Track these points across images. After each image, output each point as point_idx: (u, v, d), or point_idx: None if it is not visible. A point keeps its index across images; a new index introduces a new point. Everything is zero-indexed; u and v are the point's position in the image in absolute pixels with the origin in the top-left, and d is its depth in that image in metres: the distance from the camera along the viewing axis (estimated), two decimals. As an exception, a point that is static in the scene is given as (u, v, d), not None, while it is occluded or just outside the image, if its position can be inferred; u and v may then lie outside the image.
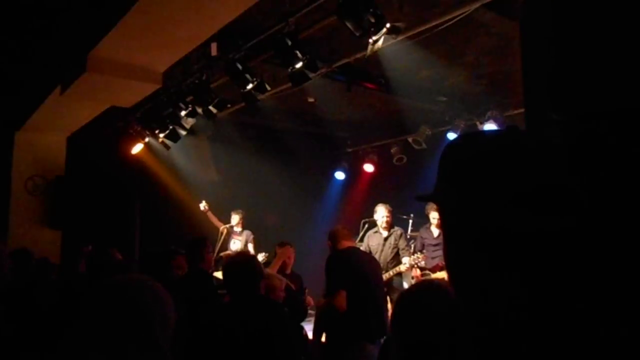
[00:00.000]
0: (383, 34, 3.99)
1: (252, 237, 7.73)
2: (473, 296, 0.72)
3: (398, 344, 1.24)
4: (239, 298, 2.74)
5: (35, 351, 2.27)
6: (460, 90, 7.18)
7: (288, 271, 4.70)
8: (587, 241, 0.67)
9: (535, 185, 0.68)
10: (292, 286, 4.16)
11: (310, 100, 7.52)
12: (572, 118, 0.94)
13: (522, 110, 6.75)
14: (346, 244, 4.16)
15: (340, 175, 9.93)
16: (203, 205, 7.73)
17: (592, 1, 0.93)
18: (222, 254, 7.20)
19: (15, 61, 5.97)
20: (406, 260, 6.12)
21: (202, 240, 4.35)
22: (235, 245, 7.64)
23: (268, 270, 3.81)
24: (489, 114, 7.22)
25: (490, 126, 7.15)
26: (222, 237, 7.65)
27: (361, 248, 6.45)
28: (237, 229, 7.77)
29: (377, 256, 6.24)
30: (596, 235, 0.70)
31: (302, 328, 4.14)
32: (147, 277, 1.45)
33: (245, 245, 7.62)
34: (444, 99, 7.42)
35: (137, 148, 7.60)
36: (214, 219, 7.83)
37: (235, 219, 7.75)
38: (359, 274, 3.96)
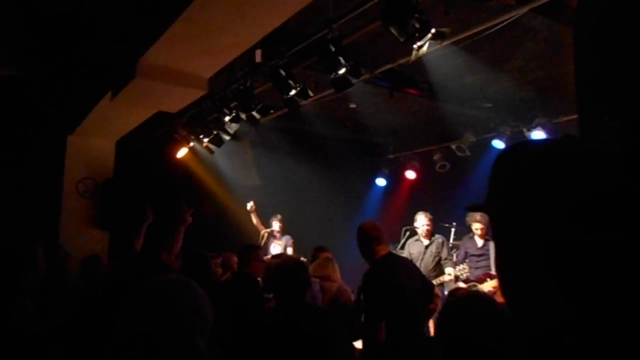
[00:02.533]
0: (428, 40, 3.94)
1: (291, 241, 7.78)
2: (527, 310, 0.71)
3: (443, 343, 1.23)
4: (287, 304, 2.68)
5: (74, 348, 2.31)
6: (506, 97, 7.07)
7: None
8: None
9: (595, 194, 0.66)
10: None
11: (353, 106, 7.52)
12: (629, 124, 0.91)
13: (570, 117, 6.84)
14: (381, 250, 3.63)
15: (381, 182, 9.88)
16: (250, 205, 7.81)
17: None
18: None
19: (68, 68, 6.19)
20: (450, 271, 6.04)
21: (251, 247, 4.37)
22: (275, 249, 7.68)
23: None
24: (536, 121, 7.13)
25: (537, 134, 7.02)
26: (263, 241, 7.73)
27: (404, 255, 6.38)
28: (279, 232, 7.84)
29: (417, 264, 6.12)
30: None
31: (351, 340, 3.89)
32: (186, 278, 1.46)
33: (285, 249, 7.68)
34: (489, 105, 7.34)
35: (182, 152, 7.72)
36: (257, 221, 7.89)
37: (275, 225, 7.82)
38: (397, 294, 3.50)
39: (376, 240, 3.64)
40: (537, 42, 5.38)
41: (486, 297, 1.31)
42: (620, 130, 0.92)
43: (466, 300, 1.23)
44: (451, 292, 3.84)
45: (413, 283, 3.63)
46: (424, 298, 3.69)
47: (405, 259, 3.94)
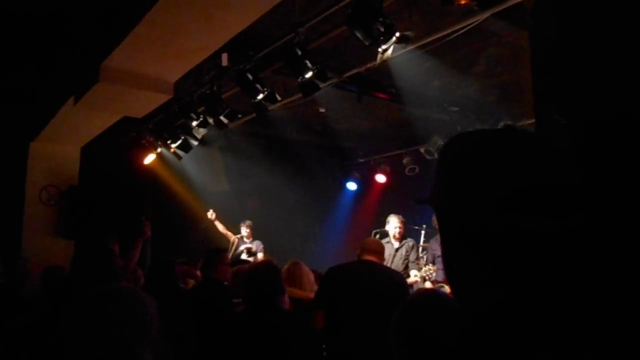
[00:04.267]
0: (392, 43, 3.96)
1: (262, 247, 7.80)
2: (465, 297, 0.73)
3: (398, 343, 1.25)
4: (260, 309, 2.60)
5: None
6: (472, 100, 7.16)
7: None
8: (587, 243, 0.67)
9: (531, 183, 0.67)
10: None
11: (322, 110, 7.50)
12: (579, 122, 0.94)
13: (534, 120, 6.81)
14: (365, 256, 3.79)
15: (351, 186, 9.92)
16: (210, 213, 7.81)
17: (598, 7, 0.93)
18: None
19: (29, 72, 6.01)
20: (414, 273, 6.08)
21: (217, 251, 4.33)
22: (243, 255, 7.70)
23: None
24: (501, 124, 7.15)
25: None
26: (234, 247, 7.74)
27: None
28: (248, 238, 7.86)
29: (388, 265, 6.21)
30: (596, 237, 0.69)
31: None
32: (129, 285, 1.48)
33: (255, 255, 7.67)
34: (456, 109, 7.38)
35: (149, 158, 7.67)
36: (222, 228, 7.87)
37: (244, 231, 7.83)
38: (345, 293, 3.55)
39: (364, 251, 3.80)
40: (500, 46, 5.44)
41: (442, 294, 1.32)
42: (570, 128, 0.94)
43: (421, 296, 1.23)
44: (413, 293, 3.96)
45: (376, 289, 3.55)
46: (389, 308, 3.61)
47: (383, 269, 3.84)
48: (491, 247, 0.67)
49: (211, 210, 7.83)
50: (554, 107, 1.03)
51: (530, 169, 0.69)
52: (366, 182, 9.71)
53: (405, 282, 3.74)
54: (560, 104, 1.00)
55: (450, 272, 0.76)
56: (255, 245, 7.82)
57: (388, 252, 6.29)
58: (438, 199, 0.76)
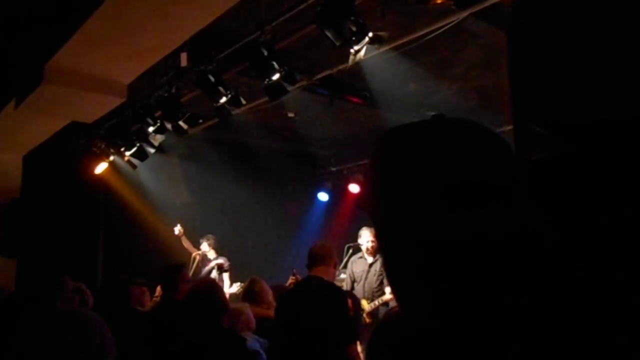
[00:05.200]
0: (365, 44, 4.02)
1: (227, 264, 7.68)
2: (407, 308, 0.75)
3: None
4: (199, 330, 2.68)
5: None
6: (450, 105, 7.25)
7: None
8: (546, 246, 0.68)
9: (458, 180, 0.68)
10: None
11: (290, 115, 7.54)
12: (559, 129, 0.93)
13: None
14: (313, 270, 3.71)
15: (323, 197, 9.93)
16: (178, 229, 7.75)
17: (576, 12, 0.95)
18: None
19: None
20: (389, 290, 5.99)
21: (177, 268, 4.30)
22: (212, 273, 7.55)
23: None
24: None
25: None
26: (196, 264, 7.65)
27: (344, 275, 6.48)
28: (212, 255, 7.73)
29: (361, 284, 6.23)
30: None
31: None
32: (79, 308, 1.43)
33: (228, 272, 7.62)
34: (433, 113, 7.42)
35: (100, 168, 7.60)
36: (189, 245, 7.81)
37: (205, 246, 7.72)
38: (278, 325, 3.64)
39: (310, 266, 3.72)
40: (479, 48, 5.52)
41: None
42: (550, 138, 0.94)
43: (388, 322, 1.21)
44: (386, 312, 3.96)
45: (286, 320, 3.60)
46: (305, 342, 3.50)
47: (314, 296, 3.69)
48: (429, 254, 0.68)
49: (178, 226, 7.74)
50: (532, 115, 1.02)
51: (461, 162, 0.69)
52: (339, 193, 9.70)
53: (344, 304, 3.64)
54: (540, 110, 0.99)
55: (390, 280, 0.77)
56: (221, 262, 7.68)
57: (361, 267, 6.36)
58: (367, 203, 0.77)
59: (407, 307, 0.75)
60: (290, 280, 5.67)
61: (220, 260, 7.57)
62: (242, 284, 6.85)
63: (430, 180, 0.69)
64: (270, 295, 4.60)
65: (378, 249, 0.88)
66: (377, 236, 0.78)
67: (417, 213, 0.69)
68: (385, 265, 0.78)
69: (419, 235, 0.69)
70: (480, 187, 0.68)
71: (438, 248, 0.68)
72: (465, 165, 0.69)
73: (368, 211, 0.77)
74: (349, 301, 3.88)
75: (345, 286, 6.29)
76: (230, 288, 7.17)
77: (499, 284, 0.67)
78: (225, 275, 7.53)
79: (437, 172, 0.70)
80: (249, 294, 4.63)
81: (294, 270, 5.93)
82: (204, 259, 7.72)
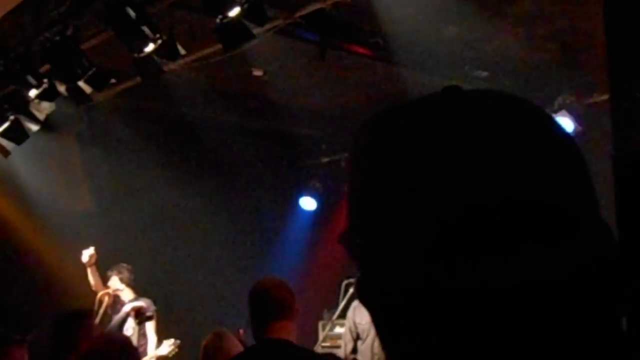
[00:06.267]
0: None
1: (152, 309, 7.72)
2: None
3: None
4: None
5: None
6: (511, 61, 7.33)
7: None
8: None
9: (490, 201, 0.71)
10: None
11: (258, 74, 7.64)
12: None
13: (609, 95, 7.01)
14: (268, 331, 3.77)
15: (308, 203, 10.09)
16: (88, 255, 7.72)
17: None
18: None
19: None
20: None
21: (76, 317, 4.46)
22: (128, 323, 7.64)
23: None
24: (559, 100, 7.42)
25: (561, 120, 7.16)
26: (104, 309, 7.61)
27: (341, 329, 7.09)
28: (128, 295, 7.76)
29: (368, 343, 6.60)
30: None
31: None
32: None
33: (150, 320, 7.70)
34: (485, 74, 7.50)
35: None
36: (96, 279, 7.82)
37: (115, 281, 7.74)
38: None
39: (273, 311, 3.78)
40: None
41: None
42: None
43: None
44: None
45: None
46: None
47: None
48: (438, 311, 0.73)
49: (91, 249, 7.69)
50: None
51: (506, 168, 0.72)
52: (332, 197, 9.74)
53: None
54: None
55: (378, 332, 0.83)
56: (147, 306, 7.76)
57: (366, 319, 6.35)
58: (351, 234, 0.83)
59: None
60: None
61: (139, 303, 7.64)
62: (176, 342, 7.34)
63: (441, 201, 0.73)
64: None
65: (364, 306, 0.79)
66: (357, 283, 0.83)
67: (416, 251, 0.74)
68: (377, 325, 0.83)
69: (415, 284, 0.74)
70: (530, 212, 0.72)
71: (454, 302, 0.72)
72: (502, 176, 0.73)
73: (347, 246, 0.84)
74: None
75: (344, 348, 6.68)
76: (159, 349, 7.32)
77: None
78: (149, 327, 7.67)
79: (454, 189, 0.73)
80: (209, 355, 4.86)
81: (241, 331, 6.24)
82: (116, 302, 7.77)
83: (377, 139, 0.81)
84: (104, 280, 7.84)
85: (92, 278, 7.78)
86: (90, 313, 5.29)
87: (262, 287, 3.93)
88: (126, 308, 7.63)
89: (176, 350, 7.14)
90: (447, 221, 0.72)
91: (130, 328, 7.51)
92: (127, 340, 4.61)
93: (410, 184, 0.75)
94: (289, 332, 3.72)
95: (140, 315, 7.58)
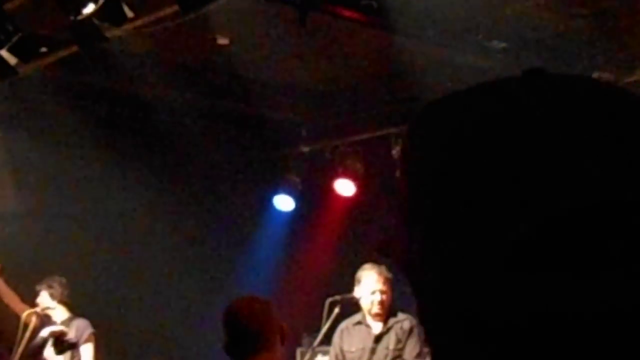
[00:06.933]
0: None
1: (89, 332, 7.84)
2: None
3: None
4: None
5: None
6: (534, 29, 7.36)
7: None
8: None
9: (589, 204, 0.73)
10: None
11: (223, 42, 7.72)
12: None
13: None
14: None
15: (284, 203, 10.13)
16: None
17: None
18: None
19: None
20: None
21: None
22: (47, 352, 7.76)
23: None
24: (595, 76, 7.16)
25: None
26: (30, 332, 7.76)
27: (329, 357, 7.02)
28: (60, 314, 7.91)
29: None
30: None
31: None
32: None
33: (74, 348, 7.75)
34: (502, 45, 7.59)
35: None
36: (12, 298, 7.92)
37: (45, 298, 7.83)
38: None
39: (246, 343, 3.95)
40: None
41: None
42: None
43: None
44: None
45: None
46: None
47: None
48: (516, 340, 0.75)
49: None
50: None
51: (604, 168, 0.74)
52: (314, 195, 9.97)
53: None
54: None
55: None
56: (76, 329, 7.83)
57: (361, 344, 6.65)
58: (400, 241, 0.87)
59: None
60: None
61: (60, 328, 7.75)
62: None
63: (535, 202, 0.75)
64: None
65: (419, 318, 0.85)
66: (419, 305, 0.86)
67: (496, 260, 0.76)
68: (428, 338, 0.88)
69: (494, 299, 0.76)
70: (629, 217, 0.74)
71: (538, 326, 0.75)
72: (600, 178, 0.75)
73: (396, 261, 0.88)
74: None
75: None
76: None
77: None
78: (86, 354, 7.92)
79: (540, 192, 0.75)
80: None
81: None
82: (45, 323, 7.84)
83: (447, 131, 0.83)
84: (33, 296, 7.85)
85: (4, 296, 7.90)
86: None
87: (234, 312, 3.98)
88: (44, 333, 7.61)
89: None
90: (538, 226, 0.74)
91: (51, 358, 7.60)
92: None
93: (495, 182, 0.77)
94: None
95: (60, 344, 7.60)
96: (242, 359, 3.81)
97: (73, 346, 7.60)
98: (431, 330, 0.85)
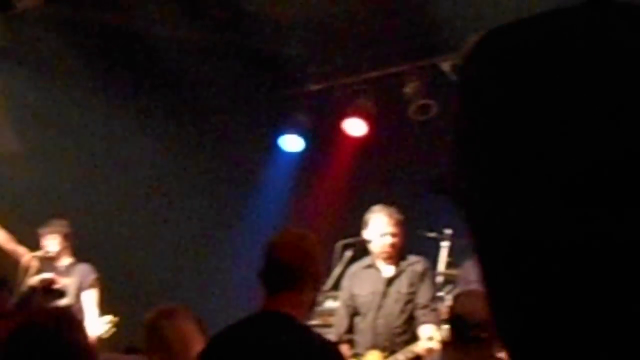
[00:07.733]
0: None
1: (93, 277, 7.95)
2: (506, 338, 0.85)
3: None
4: None
5: None
6: None
7: None
8: None
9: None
10: None
11: None
12: None
13: None
14: (278, 298, 3.87)
15: (292, 143, 10.18)
16: None
17: None
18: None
19: None
20: (427, 332, 6.27)
21: None
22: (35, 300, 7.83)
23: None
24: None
25: None
26: (30, 276, 7.87)
27: (334, 303, 7.16)
28: (64, 260, 7.99)
29: (369, 319, 6.53)
30: None
31: None
32: None
33: (78, 293, 7.88)
34: None
35: None
36: (4, 238, 7.93)
37: (51, 243, 7.91)
38: None
39: (268, 278, 3.89)
40: None
41: None
42: None
43: None
44: None
45: None
46: None
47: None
48: (573, 271, 0.76)
49: None
50: None
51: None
52: (324, 135, 10.00)
53: None
54: None
55: (488, 296, 0.88)
56: (80, 274, 7.96)
57: (372, 287, 6.56)
58: (465, 182, 0.87)
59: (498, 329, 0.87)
60: None
61: (51, 276, 7.82)
62: (113, 319, 7.68)
63: (601, 137, 0.75)
64: (198, 340, 4.71)
65: (478, 266, 0.88)
66: (476, 244, 0.88)
67: (555, 196, 0.77)
68: (481, 274, 0.89)
69: (552, 234, 0.77)
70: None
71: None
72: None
73: (457, 197, 0.89)
74: None
75: (337, 326, 6.65)
76: (92, 328, 7.43)
77: None
78: (90, 300, 7.93)
79: (603, 130, 0.74)
80: (152, 338, 4.85)
81: None
82: (46, 267, 7.95)
83: (506, 63, 0.82)
84: (35, 239, 7.88)
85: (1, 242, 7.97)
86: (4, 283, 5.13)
87: (272, 245, 3.93)
88: (32, 280, 7.70)
89: (113, 329, 7.31)
90: (599, 162, 0.74)
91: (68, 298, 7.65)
92: (65, 312, 4.50)
93: (557, 116, 0.77)
94: (294, 304, 3.75)
95: (49, 292, 7.72)
96: (267, 295, 3.78)
97: (62, 295, 7.66)
98: (487, 262, 0.88)
